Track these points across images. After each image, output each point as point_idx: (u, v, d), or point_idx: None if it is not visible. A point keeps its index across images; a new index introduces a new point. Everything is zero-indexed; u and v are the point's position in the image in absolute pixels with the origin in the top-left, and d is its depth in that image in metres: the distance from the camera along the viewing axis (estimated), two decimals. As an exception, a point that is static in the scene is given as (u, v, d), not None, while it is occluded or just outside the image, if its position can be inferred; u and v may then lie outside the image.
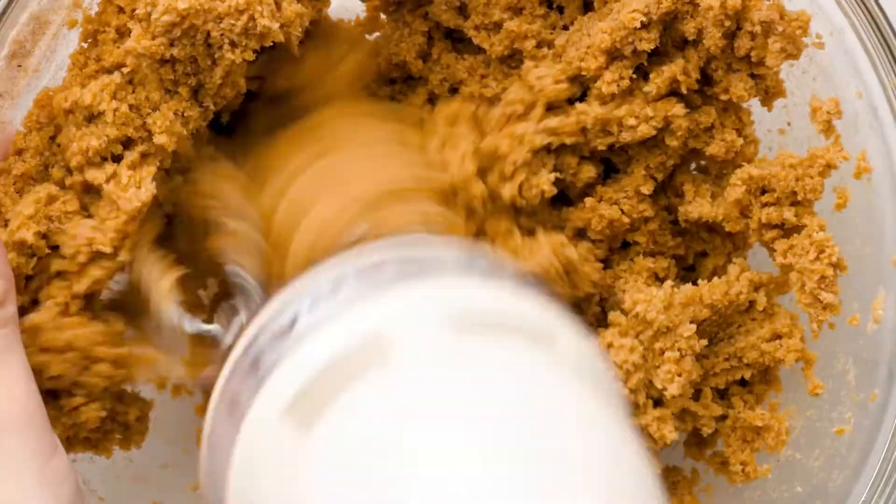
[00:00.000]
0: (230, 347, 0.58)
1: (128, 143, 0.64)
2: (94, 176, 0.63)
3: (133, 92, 0.64)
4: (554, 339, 0.54)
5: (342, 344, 0.53)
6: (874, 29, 0.67)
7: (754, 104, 0.71)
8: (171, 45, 0.62)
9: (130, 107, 0.64)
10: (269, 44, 0.64)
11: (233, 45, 0.63)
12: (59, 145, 0.64)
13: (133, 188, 0.63)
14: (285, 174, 0.65)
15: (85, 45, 0.65)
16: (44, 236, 0.63)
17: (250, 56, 0.63)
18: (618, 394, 0.57)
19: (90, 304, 0.65)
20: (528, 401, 0.50)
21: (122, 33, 0.64)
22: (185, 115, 0.64)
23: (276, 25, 0.63)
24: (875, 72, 0.67)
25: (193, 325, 0.64)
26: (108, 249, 0.63)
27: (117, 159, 0.64)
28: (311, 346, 0.54)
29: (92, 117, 0.64)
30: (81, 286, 0.64)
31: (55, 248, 0.64)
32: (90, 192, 0.64)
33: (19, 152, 0.65)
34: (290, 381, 0.53)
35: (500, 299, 0.55)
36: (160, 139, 0.63)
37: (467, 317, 0.53)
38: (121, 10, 0.64)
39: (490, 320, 0.53)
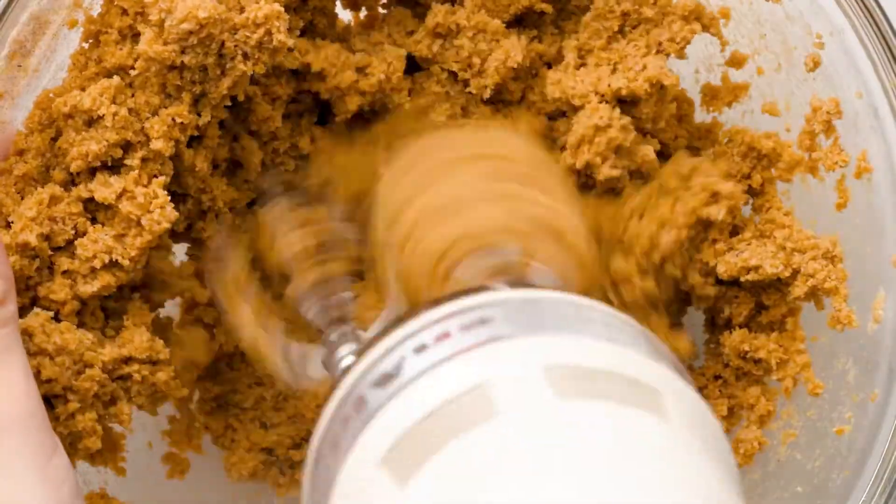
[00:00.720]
0: (333, 385, 0.57)
1: (127, 148, 0.64)
2: (104, 196, 0.63)
3: (132, 96, 0.64)
4: (663, 403, 0.52)
5: (444, 397, 0.51)
6: (874, 29, 0.67)
7: (755, 106, 0.71)
8: (183, 52, 0.62)
9: (129, 110, 0.64)
10: (280, 60, 0.64)
11: (245, 56, 0.63)
12: (60, 148, 0.64)
13: (157, 208, 0.64)
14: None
15: (86, 46, 0.65)
16: (46, 238, 0.64)
17: (261, 69, 0.64)
18: (729, 456, 0.55)
19: (83, 310, 0.65)
20: (633, 471, 0.49)
21: (125, 35, 0.64)
22: (182, 122, 0.64)
23: (291, 41, 0.63)
24: (875, 72, 0.67)
25: (311, 368, 0.64)
26: (126, 263, 0.64)
27: (117, 165, 0.64)
28: (414, 395, 0.52)
29: (91, 121, 0.64)
30: (90, 288, 0.64)
31: (58, 249, 0.64)
32: (94, 200, 0.64)
33: (20, 153, 0.65)
34: (390, 428, 0.52)
35: (611, 357, 0.53)
36: (157, 144, 0.63)
37: (575, 378, 0.51)
38: (124, 11, 0.64)
39: (598, 383, 0.51)
